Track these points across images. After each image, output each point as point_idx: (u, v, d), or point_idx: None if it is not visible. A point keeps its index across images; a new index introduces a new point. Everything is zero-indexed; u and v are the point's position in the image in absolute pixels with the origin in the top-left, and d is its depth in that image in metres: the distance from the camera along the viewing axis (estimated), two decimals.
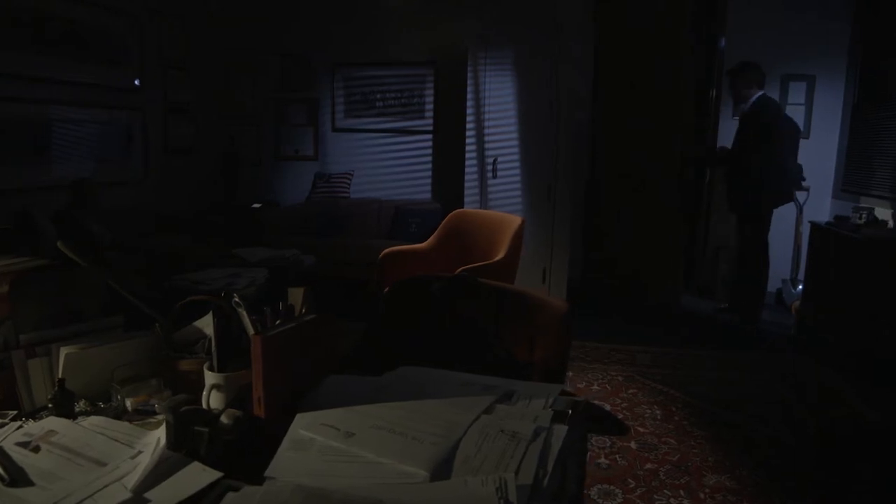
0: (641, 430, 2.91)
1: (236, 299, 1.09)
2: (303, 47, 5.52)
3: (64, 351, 1.19)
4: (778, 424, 2.98)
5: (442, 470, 0.90)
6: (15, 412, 1.18)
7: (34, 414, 1.16)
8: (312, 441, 0.99)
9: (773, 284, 4.96)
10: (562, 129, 4.58)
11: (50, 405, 1.13)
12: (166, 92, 4.89)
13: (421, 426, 1.00)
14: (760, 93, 4.31)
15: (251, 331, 1.10)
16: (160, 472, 0.95)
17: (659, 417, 3.03)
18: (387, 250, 3.67)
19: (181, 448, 1.00)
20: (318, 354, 1.21)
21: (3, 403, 1.20)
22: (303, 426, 1.03)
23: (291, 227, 5.26)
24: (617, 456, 2.66)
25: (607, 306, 4.90)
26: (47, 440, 1.05)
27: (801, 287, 4.57)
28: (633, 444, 2.76)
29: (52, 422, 1.11)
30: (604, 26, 5.03)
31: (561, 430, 1.00)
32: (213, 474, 0.94)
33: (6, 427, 1.10)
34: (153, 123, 4.80)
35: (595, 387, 3.38)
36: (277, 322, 1.14)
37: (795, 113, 4.82)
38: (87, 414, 1.15)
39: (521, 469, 0.90)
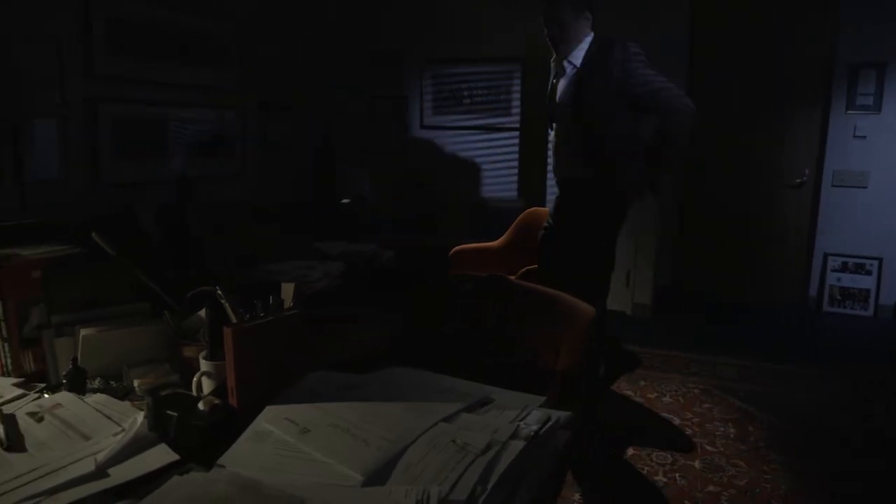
0: (709, 448, 2.69)
1: (219, 291, 1.13)
2: (394, 45, 5.63)
3: (82, 332, 1.29)
4: (874, 458, 2.65)
5: (378, 476, 0.88)
6: (43, 385, 1.30)
7: (54, 388, 1.27)
8: (270, 434, 1.01)
9: (889, 297, 4.41)
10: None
11: (64, 381, 1.24)
12: (264, 91, 5.19)
13: (375, 429, 0.99)
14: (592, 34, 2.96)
15: (233, 322, 1.13)
16: (132, 450, 1.01)
17: (732, 436, 2.79)
18: (457, 248, 3.67)
19: (158, 430, 1.05)
20: (306, 349, 1.23)
21: (36, 377, 1.33)
22: (267, 419, 1.05)
23: (378, 223, 5.40)
24: (677, 475, 2.49)
25: (699, 314, 4.59)
26: (52, 412, 1.15)
27: None
28: (697, 464, 2.57)
29: (62, 396, 1.21)
30: (701, 6, 4.65)
31: (517, 445, 0.95)
32: (171, 456, 0.98)
33: (26, 397, 1.22)
34: (252, 121, 5.11)
35: (666, 398, 3.18)
36: (261, 315, 1.18)
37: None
38: (96, 391, 1.25)
39: (459, 483, 0.86)
